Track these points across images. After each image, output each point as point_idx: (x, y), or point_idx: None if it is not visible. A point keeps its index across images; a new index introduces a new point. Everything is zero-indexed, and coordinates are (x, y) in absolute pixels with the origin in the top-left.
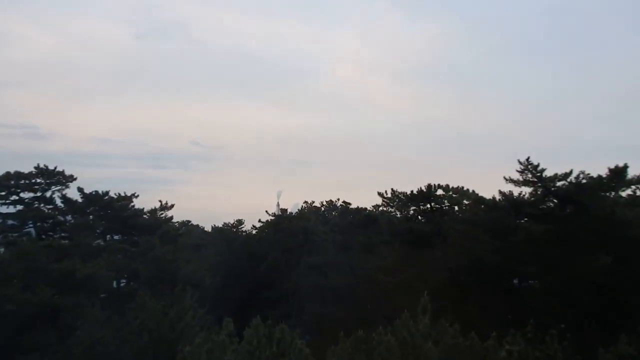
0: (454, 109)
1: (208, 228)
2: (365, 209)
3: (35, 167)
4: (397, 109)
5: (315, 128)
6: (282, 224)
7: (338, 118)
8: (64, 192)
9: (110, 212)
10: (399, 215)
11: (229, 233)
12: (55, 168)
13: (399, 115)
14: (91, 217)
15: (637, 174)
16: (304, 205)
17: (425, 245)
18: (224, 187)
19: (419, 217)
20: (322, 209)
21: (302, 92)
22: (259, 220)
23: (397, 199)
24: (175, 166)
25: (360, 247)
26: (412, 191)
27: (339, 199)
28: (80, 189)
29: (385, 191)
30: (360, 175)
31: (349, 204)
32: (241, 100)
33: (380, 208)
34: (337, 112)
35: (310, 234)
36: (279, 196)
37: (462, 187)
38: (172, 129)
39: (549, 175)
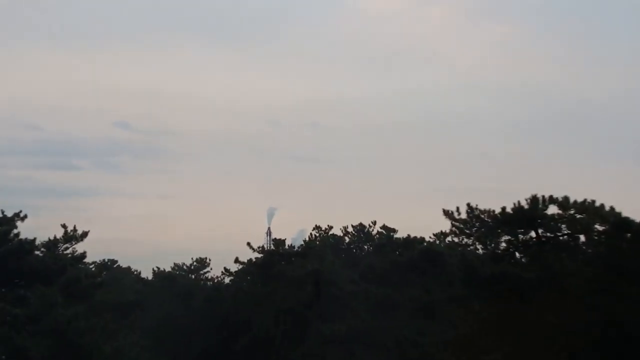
0: (566, 66)
1: (147, 273)
2: (422, 239)
3: None
4: (468, 66)
5: (333, 100)
6: (276, 267)
7: (370, 82)
8: None
9: None
10: (481, 251)
11: (184, 282)
12: None
13: (470, 75)
14: None
15: None
16: (314, 232)
17: (529, 302)
18: (174, 201)
19: (517, 253)
20: (346, 239)
21: (310, 39)
22: (237, 260)
23: (477, 223)
24: (90, 165)
25: (413, 306)
26: (503, 209)
27: (374, 223)
28: None
29: (457, 208)
30: (411, 181)
31: (393, 230)
32: (204, 53)
33: (448, 238)
34: (369, 72)
35: (325, 284)
36: (270, 217)
37: (592, 202)
38: (84, 101)
39: None
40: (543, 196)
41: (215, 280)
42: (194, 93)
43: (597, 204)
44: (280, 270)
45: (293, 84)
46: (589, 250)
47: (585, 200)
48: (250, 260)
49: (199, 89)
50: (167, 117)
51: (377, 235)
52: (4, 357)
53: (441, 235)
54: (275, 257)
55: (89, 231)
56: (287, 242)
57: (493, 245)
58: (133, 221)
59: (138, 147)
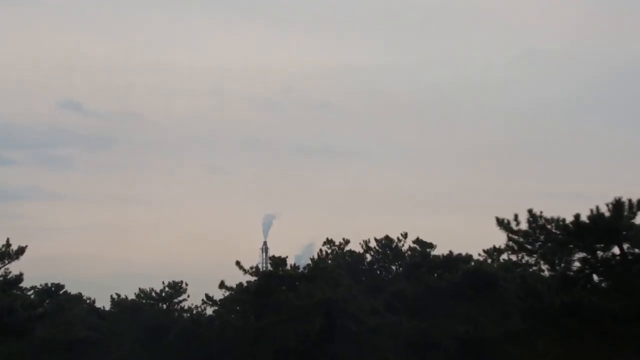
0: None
1: (104, 302)
2: (469, 257)
3: None
4: (519, 29)
5: (349, 72)
6: (275, 294)
7: (397, 49)
8: None
9: None
10: (547, 273)
11: (153, 313)
12: None
13: (522, 40)
14: None
15: None
16: (325, 248)
17: (611, 340)
18: (140, 206)
19: (595, 275)
20: (368, 257)
21: None
22: (222, 285)
23: (542, 236)
24: (28, 158)
25: (456, 345)
26: (577, 217)
27: (405, 235)
28: None
29: (516, 217)
30: (453, 180)
31: (429, 245)
32: (179, 13)
33: (504, 256)
34: (395, 36)
35: (340, 316)
36: (267, 228)
37: None
38: (20, 76)
39: None
40: (630, 200)
41: (194, 312)
42: (166, 65)
43: None
44: (281, 299)
45: (297, 51)
46: None
47: None
48: (240, 285)
49: (173, 59)
50: (130, 97)
51: (409, 252)
52: None
53: (494, 252)
54: (274, 281)
55: (26, 246)
56: (290, 261)
57: (563, 265)
58: (85, 233)
59: (92, 135)
